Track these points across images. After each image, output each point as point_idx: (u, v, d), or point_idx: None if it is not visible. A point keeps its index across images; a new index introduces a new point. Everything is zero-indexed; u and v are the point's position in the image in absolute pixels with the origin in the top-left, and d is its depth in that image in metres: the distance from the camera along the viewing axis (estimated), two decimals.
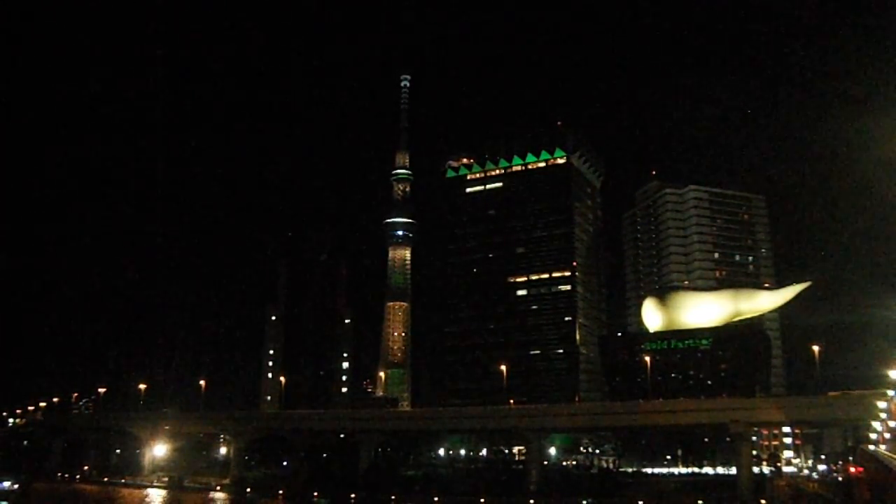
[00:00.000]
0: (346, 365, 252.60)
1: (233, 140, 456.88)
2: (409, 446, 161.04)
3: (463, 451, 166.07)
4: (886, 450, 68.99)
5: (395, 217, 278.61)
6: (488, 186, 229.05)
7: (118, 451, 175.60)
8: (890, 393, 67.74)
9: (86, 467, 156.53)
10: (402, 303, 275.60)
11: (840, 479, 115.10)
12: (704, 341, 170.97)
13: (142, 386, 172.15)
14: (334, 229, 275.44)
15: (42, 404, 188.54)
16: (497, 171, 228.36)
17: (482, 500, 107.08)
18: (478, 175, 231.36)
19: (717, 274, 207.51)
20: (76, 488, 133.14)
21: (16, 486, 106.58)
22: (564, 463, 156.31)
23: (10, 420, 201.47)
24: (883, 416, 73.85)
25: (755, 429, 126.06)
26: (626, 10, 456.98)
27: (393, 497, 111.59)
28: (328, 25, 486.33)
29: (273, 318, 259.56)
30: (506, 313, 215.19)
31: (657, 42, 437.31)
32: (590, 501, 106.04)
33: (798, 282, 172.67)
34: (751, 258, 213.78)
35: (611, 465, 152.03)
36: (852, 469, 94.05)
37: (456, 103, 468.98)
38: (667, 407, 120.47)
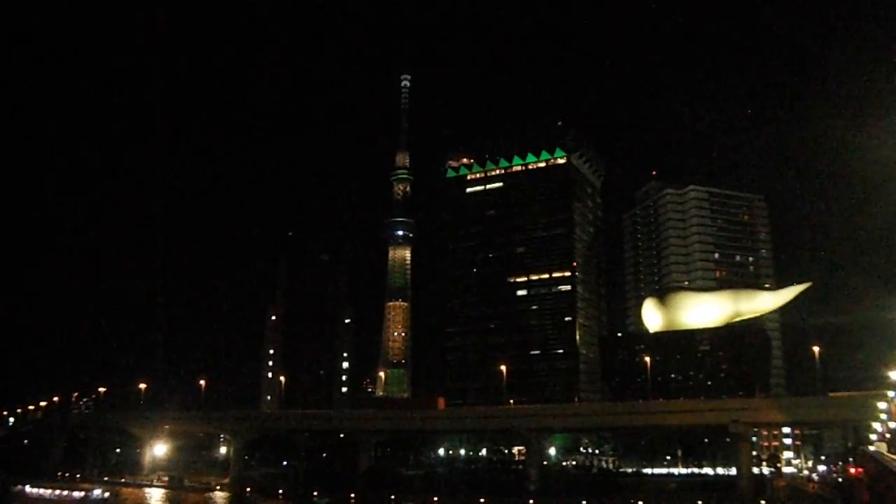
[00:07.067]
0: (346, 365, 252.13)
1: (233, 140, 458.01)
2: (409, 446, 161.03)
3: (463, 452, 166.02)
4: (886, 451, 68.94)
5: (395, 217, 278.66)
6: (488, 186, 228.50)
7: (118, 450, 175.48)
8: (890, 394, 67.66)
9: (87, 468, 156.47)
10: (402, 303, 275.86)
11: (840, 479, 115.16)
12: (704, 342, 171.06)
13: (142, 385, 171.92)
14: (334, 229, 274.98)
15: (42, 404, 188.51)
16: (497, 171, 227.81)
17: (482, 500, 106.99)
18: (478, 175, 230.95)
19: (718, 274, 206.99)
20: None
21: (107, 495, 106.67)
22: (564, 463, 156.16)
23: (11, 419, 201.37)
24: (883, 416, 73.77)
25: (755, 429, 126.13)
26: (626, 9, 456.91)
27: (392, 497, 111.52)
28: (328, 25, 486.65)
29: (273, 318, 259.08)
30: (506, 313, 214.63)
31: (657, 42, 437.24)
32: (590, 502, 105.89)
33: (798, 282, 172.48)
34: (751, 259, 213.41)
35: (611, 466, 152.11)
36: (852, 470, 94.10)
37: (456, 103, 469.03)
38: (667, 407, 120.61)
